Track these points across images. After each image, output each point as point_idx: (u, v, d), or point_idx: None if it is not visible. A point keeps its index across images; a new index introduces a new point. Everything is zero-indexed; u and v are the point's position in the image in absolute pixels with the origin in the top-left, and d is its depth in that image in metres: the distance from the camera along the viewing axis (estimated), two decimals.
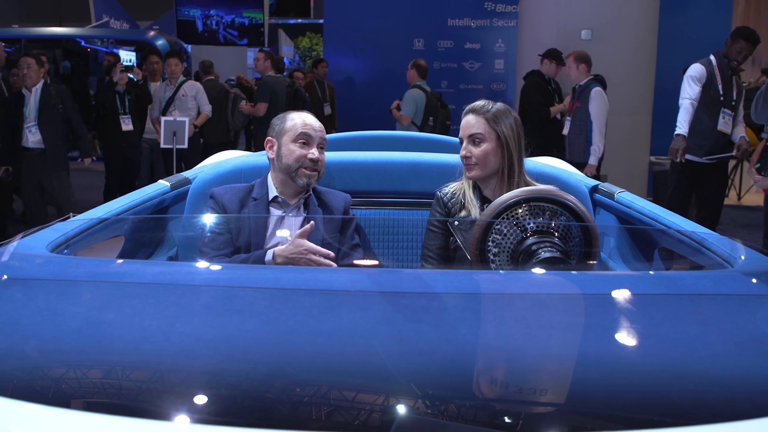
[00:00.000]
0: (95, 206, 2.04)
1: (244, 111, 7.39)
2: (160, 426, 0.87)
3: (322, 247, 2.18)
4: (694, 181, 4.98)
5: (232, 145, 7.48)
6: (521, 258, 1.72)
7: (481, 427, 0.91)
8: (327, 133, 2.37)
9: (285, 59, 20.73)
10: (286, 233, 2.13)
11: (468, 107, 2.23)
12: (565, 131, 5.70)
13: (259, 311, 1.24)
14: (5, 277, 1.34)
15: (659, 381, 1.01)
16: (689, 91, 4.82)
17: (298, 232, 2.03)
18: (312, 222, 2.10)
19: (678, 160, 4.77)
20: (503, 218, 1.82)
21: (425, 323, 1.20)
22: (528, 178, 2.21)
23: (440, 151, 2.69)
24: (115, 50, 11.58)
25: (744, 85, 5.14)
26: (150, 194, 2.25)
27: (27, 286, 1.33)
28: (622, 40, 6.46)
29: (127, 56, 12.01)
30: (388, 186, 2.50)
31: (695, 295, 1.35)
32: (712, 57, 4.88)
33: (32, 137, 5.41)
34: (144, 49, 9.28)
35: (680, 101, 4.85)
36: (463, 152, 2.18)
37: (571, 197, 1.87)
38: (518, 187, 2.03)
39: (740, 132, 4.88)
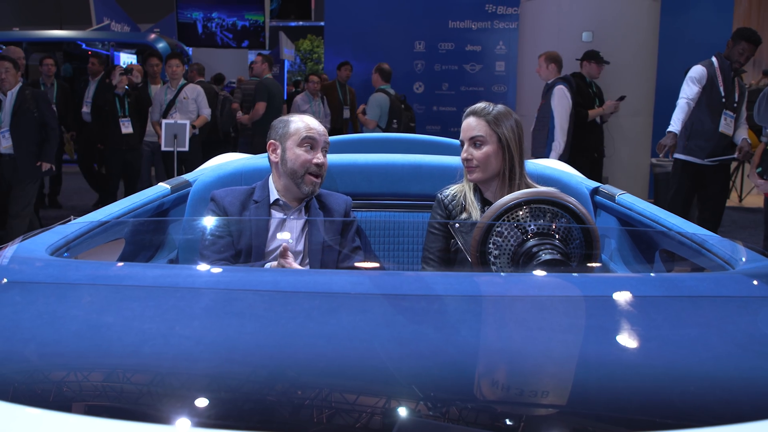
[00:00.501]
0: (90, 211, 2.04)
1: (240, 120, 7.55)
2: (161, 429, 0.86)
3: (323, 249, 2.18)
4: (695, 183, 4.98)
5: (222, 145, 7.58)
6: (522, 260, 1.72)
7: (482, 430, 0.91)
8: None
9: (286, 62, 20.77)
10: (287, 236, 2.13)
11: (468, 109, 2.22)
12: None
13: (259, 314, 1.24)
14: (5, 280, 1.34)
15: (660, 383, 1.01)
16: (687, 91, 4.83)
17: (279, 251, 2.00)
18: (287, 242, 2.09)
19: (661, 155, 4.79)
20: (504, 220, 1.82)
21: (426, 326, 1.19)
22: (529, 180, 2.21)
23: (441, 154, 2.69)
24: (113, 52, 11.61)
25: (746, 86, 5.14)
26: (150, 197, 2.25)
27: (27, 290, 1.33)
28: (623, 41, 6.46)
29: (128, 59, 12.03)
30: (389, 188, 2.50)
31: (696, 297, 1.35)
32: (713, 59, 4.88)
33: (5, 143, 5.24)
34: (144, 52, 9.29)
35: (678, 100, 4.86)
36: (464, 155, 2.18)
37: (571, 199, 1.87)
38: (519, 189, 2.03)
39: (742, 134, 4.88)
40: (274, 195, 2.27)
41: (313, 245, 2.20)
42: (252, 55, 18.14)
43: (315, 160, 2.22)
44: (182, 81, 6.88)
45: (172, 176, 4.43)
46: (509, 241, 1.77)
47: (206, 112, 6.95)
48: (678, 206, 4.87)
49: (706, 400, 0.98)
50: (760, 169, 4.50)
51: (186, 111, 6.77)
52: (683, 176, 4.96)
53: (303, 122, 2.28)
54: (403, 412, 0.93)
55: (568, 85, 5.73)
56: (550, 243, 1.72)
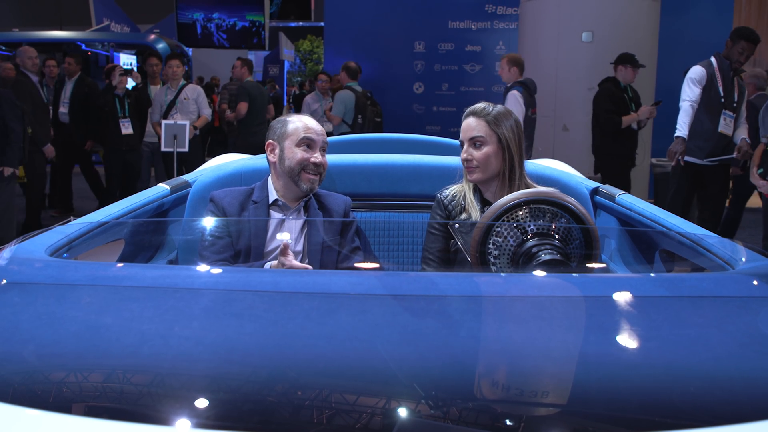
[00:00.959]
0: (90, 212, 2.04)
1: (229, 119, 7.62)
2: (160, 430, 0.86)
3: (323, 250, 2.18)
4: (695, 183, 4.98)
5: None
6: (522, 260, 1.72)
7: (482, 430, 0.91)
8: None
9: (285, 62, 20.76)
10: (287, 236, 2.13)
11: (468, 110, 2.22)
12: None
13: (259, 314, 1.24)
14: (4, 281, 1.34)
15: (660, 383, 1.01)
16: (689, 92, 4.82)
17: (280, 249, 2.00)
18: (287, 240, 2.09)
19: (674, 163, 4.75)
20: (504, 220, 1.81)
21: (426, 326, 1.19)
22: (528, 181, 2.21)
23: (440, 154, 2.69)
24: (113, 53, 11.60)
25: (745, 86, 5.13)
26: (150, 197, 2.25)
27: (26, 290, 1.33)
28: (623, 42, 6.46)
29: (128, 59, 12.04)
30: (389, 189, 2.50)
31: (696, 297, 1.35)
32: (712, 59, 4.88)
33: None
34: (144, 52, 9.30)
35: (680, 103, 4.85)
36: (464, 155, 2.18)
37: (571, 199, 1.87)
38: (519, 190, 2.02)
39: (741, 134, 4.88)
40: (273, 195, 2.27)
41: (313, 246, 2.20)
42: (252, 56, 18.17)
43: (313, 159, 2.22)
44: (182, 81, 6.88)
45: (173, 177, 4.43)
46: (509, 241, 1.77)
47: (206, 112, 6.95)
48: (678, 206, 4.87)
49: (706, 400, 0.98)
50: (761, 170, 4.49)
51: (186, 111, 6.77)
52: (683, 176, 4.95)
53: (301, 122, 2.28)
54: (403, 412, 0.93)
55: (524, 89, 5.76)
56: (549, 243, 1.72)
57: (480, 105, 2.22)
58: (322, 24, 11.93)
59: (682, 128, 4.76)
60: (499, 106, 2.21)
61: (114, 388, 0.98)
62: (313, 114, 7.88)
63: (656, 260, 2.16)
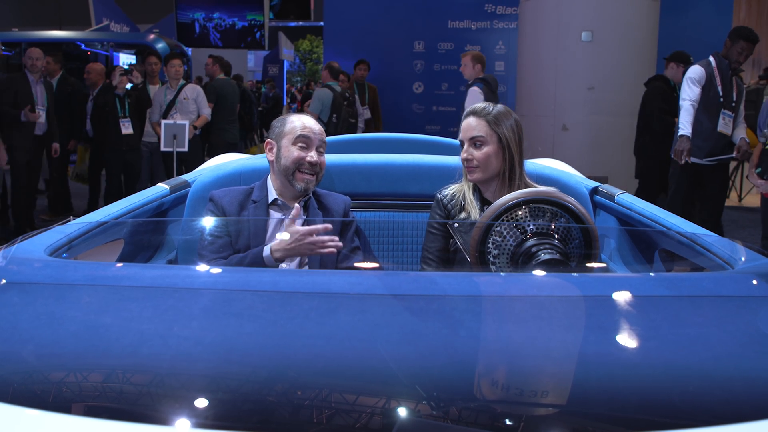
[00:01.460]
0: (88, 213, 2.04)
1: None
2: (159, 430, 0.86)
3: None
4: (695, 183, 4.98)
5: None
6: (521, 260, 1.72)
7: (482, 430, 0.91)
8: None
9: (285, 62, 20.75)
10: (286, 236, 2.13)
11: (468, 109, 2.22)
12: None
13: (258, 314, 1.24)
14: (3, 281, 1.34)
15: (660, 383, 1.01)
16: (689, 92, 4.81)
17: (287, 221, 2.01)
18: (298, 206, 2.09)
19: (683, 161, 4.73)
20: (503, 220, 1.81)
21: (425, 326, 1.19)
22: (528, 180, 2.21)
23: (440, 153, 2.69)
24: (112, 53, 11.58)
25: (744, 86, 5.13)
26: (149, 197, 2.25)
27: (25, 290, 1.33)
28: (623, 41, 6.47)
29: (128, 59, 12.03)
30: (388, 188, 2.50)
31: (696, 296, 1.35)
32: (711, 58, 4.88)
33: None
34: (144, 52, 9.27)
35: (680, 103, 4.84)
36: (464, 155, 2.18)
37: (571, 199, 1.87)
38: (518, 189, 2.02)
39: (741, 133, 4.88)
40: (272, 195, 2.27)
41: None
42: (251, 55, 18.19)
43: (308, 158, 2.22)
44: (181, 81, 6.88)
45: (173, 177, 4.43)
46: (508, 240, 1.77)
47: (206, 111, 6.95)
48: (677, 206, 4.87)
49: (705, 399, 0.98)
50: (759, 170, 4.50)
51: (186, 111, 6.77)
52: (682, 176, 4.95)
53: (299, 121, 2.28)
54: (402, 412, 0.93)
55: (485, 85, 5.92)
56: (549, 243, 1.72)
57: (480, 105, 2.21)
58: (321, 24, 11.93)
59: (685, 127, 4.75)
60: (500, 106, 2.21)
61: (113, 388, 0.98)
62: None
63: (656, 260, 2.16)
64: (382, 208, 2.52)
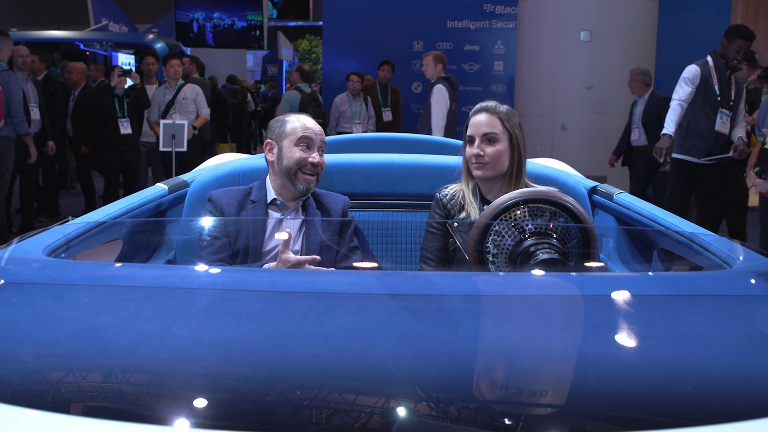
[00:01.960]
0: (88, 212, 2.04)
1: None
2: (158, 430, 0.86)
3: (321, 250, 2.17)
4: (693, 182, 4.98)
5: None
6: (520, 259, 1.72)
7: (481, 429, 0.91)
8: None
9: (284, 62, 20.76)
10: (285, 236, 2.13)
11: (478, 106, 2.21)
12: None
13: (257, 314, 1.24)
14: (2, 281, 1.34)
15: (658, 382, 1.01)
16: (680, 92, 4.82)
17: (281, 246, 2.00)
18: (288, 230, 2.09)
19: (662, 160, 4.72)
20: (502, 219, 1.81)
21: (424, 325, 1.19)
22: (527, 180, 2.21)
23: (439, 153, 2.69)
24: (111, 53, 11.57)
25: (743, 84, 5.12)
26: (148, 197, 2.25)
27: (24, 291, 1.33)
28: (621, 41, 6.47)
29: (127, 59, 12.03)
30: (387, 188, 2.50)
31: (694, 295, 1.35)
32: (708, 58, 4.87)
33: None
34: (141, 52, 9.27)
35: (671, 102, 4.84)
36: (475, 150, 2.15)
37: (569, 198, 1.87)
38: (518, 189, 2.02)
39: (739, 132, 4.87)
40: (271, 195, 2.27)
41: (311, 245, 2.19)
42: (250, 55, 18.18)
43: (311, 159, 2.22)
44: (180, 81, 6.88)
45: (171, 177, 4.43)
46: (507, 240, 1.77)
47: (205, 111, 6.96)
48: (676, 205, 4.87)
49: (704, 398, 0.99)
50: (758, 169, 4.50)
51: (185, 111, 6.77)
52: (680, 175, 4.96)
53: (300, 122, 2.28)
54: (401, 412, 0.93)
55: (448, 83, 6.10)
56: (547, 242, 1.72)
57: (490, 102, 2.20)
58: (320, 23, 11.93)
59: (669, 126, 4.74)
60: (506, 105, 2.21)
61: (112, 388, 0.98)
62: (341, 115, 7.78)
63: (654, 259, 2.16)
64: (380, 208, 2.52)
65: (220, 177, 2.41)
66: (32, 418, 0.88)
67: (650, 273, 1.89)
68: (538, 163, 2.62)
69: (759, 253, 1.60)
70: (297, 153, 2.22)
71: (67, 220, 1.83)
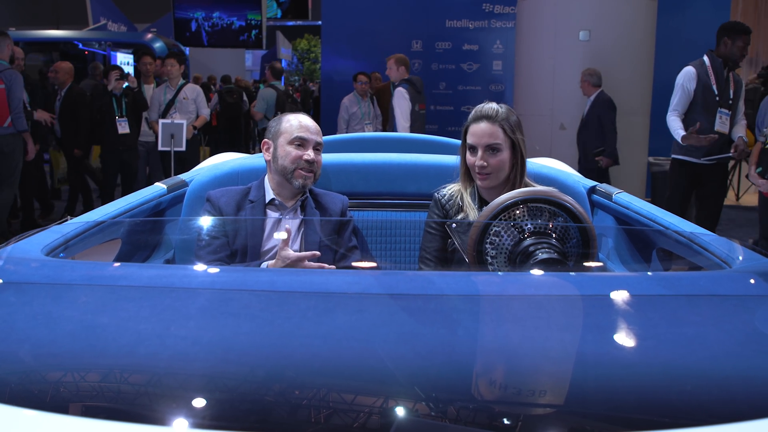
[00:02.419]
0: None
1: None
2: (157, 430, 0.86)
3: (320, 249, 2.17)
4: (693, 182, 4.97)
5: None
6: (519, 259, 1.72)
7: (480, 429, 0.91)
8: None
9: (283, 61, 20.75)
10: (284, 235, 2.12)
11: (478, 113, 2.16)
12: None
13: (255, 314, 1.24)
14: (0, 281, 1.33)
15: (657, 382, 1.01)
16: (675, 102, 4.79)
17: (281, 244, 2.00)
18: (288, 227, 2.09)
19: (706, 143, 4.58)
20: (501, 219, 1.81)
21: (423, 325, 1.19)
22: (527, 180, 2.21)
23: (438, 153, 2.68)
24: (110, 52, 11.55)
25: (741, 80, 5.10)
26: (147, 197, 2.24)
27: (22, 290, 1.32)
28: (620, 40, 6.46)
29: (125, 59, 12.01)
30: (386, 188, 2.49)
31: (693, 295, 1.35)
32: (705, 57, 4.84)
33: None
34: (138, 51, 9.25)
35: (668, 115, 4.82)
36: (479, 162, 2.13)
37: (568, 198, 1.86)
38: (517, 189, 2.02)
39: (739, 131, 4.86)
40: (269, 195, 2.27)
41: (309, 245, 2.19)
42: (249, 55, 18.18)
43: (305, 157, 2.22)
44: (181, 80, 6.87)
45: (170, 176, 4.43)
46: (506, 240, 1.77)
47: (205, 112, 6.95)
48: (676, 205, 4.86)
49: (703, 398, 0.98)
50: (760, 169, 4.49)
51: (186, 111, 6.76)
52: (681, 176, 4.95)
53: (296, 120, 2.29)
54: (400, 411, 0.93)
55: (410, 85, 6.38)
56: (546, 242, 1.72)
57: (490, 107, 2.16)
58: (319, 23, 11.93)
59: (678, 132, 4.71)
60: (503, 106, 2.18)
61: (110, 387, 0.98)
62: (351, 117, 7.65)
63: (653, 259, 2.16)
64: (379, 208, 2.52)
65: (219, 176, 2.41)
66: (30, 418, 0.88)
67: (649, 273, 1.88)
68: (537, 163, 2.62)
69: (758, 253, 1.59)
70: (292, 151, 2.22)
71: (66, 220, 1.83)
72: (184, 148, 6.32)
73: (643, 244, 2.28)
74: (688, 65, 4.88)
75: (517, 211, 1.83)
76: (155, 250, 2.30)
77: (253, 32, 12.81)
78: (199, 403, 0.94)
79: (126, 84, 6.57)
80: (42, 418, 0.88)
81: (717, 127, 4.80)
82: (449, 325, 1.20)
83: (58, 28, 13.96)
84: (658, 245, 2.15)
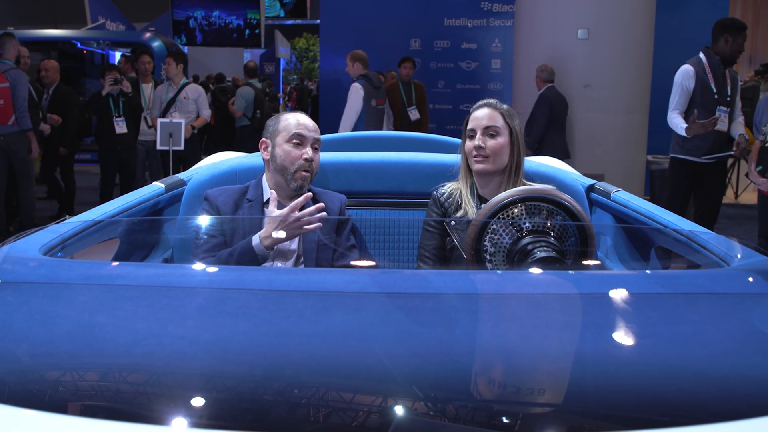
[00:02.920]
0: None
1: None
2: (155, 430, 0.86)
3: (318, 248, 2.17)
4: (693, 181, 4.97)
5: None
6: (517, 258, 1.72)
7: (478, 428, 0.91)
8: None
9: (282, 60, 20.74)
10: (282, 235, 2.12)
11: (480, 102, 2.24)
12: None
13: (253, 313, 1.24)
14: None
15: (656, 380, 1.01)
16: (673, 102, 4.78)
17: (270, 207, 2.01)
18: (307, 195, 2.10)
19: (711, 126, 4.55)
20: (499, 218, 1.81)
21: (421, 324, 1.19)
22: (524, 180, 2.21)
23: (436, 151, 2.68)
24: (108, 51, 11.53)
25: (738, 76, 5.09)
26: (145, 196, 2.24)
27: (20, 290, 1.32)
28: (619, 39, 6.46)
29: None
30: (384, 186, 2.49)
31: (692, 294, 1.35)
32: (701, 55, 4.82)
33: None
34: (137, 50, 9.22)
35: (668, 115, 4.80)
36: (476, 143, 2.16)
37: (567, 196, 1.87)
38: (515, 186, 2.02)
39: (739, 129, 4.85)
40: (267, 194, 2.27)
41: (308, 244, 2.19)
42: (247, 54, 18.17)
43: (304, 156, 2.22)
44: (183, 80, 6.86)
45: (169, 175, 4.42)
46: (505, 238, 1.77)
47: (206, 112, 6.95)
48: (676, 204, 4.85)
49: (701, 397, 0.98)
50: (760, 168, 4.48)
51: (186, 111, 6.75)
52: (681, 174, 4.94)
53: (294, 119, 2.28)
54: (399, 410, 0.93)
55: (366, 81, 6.44)
56: (545, 240, 1.72)
57: (491, 99, 2.24)
58: (317, 22, 11.92)
59: (682, 128, 4.68)
60: (506, 104, 2.24)
61: (108, 387, 0.98)
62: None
63: (652, 257, 2.16)
64: (378, 206, 2.52)
65: (217, 175, 2.40)
66: (28, 417, 0.88)
67: (648, 271, 1.89)
68: (535, 161, 2.62)
69: (757, 251, 1.59)
70: (289, 150, 2.22)
71: (64, 219, 1.82)
72: (182, 148, 6.31)
73: (641, 243, 2.28)
74: (685, 63, 4.86)
75: (516, 210, 1.83)
76: (153, 250, 2.30)
77: (255, 30, 12.81)
78: (197, 402, 0.94)
79: (120, 89, 6.55)
80: (40, 417, 0.88)
81: (717, 126, 4.79)
82: (447, 324, 1.20)
83: (56, 28, 13.94)
84: (657, 243, 2.15)
